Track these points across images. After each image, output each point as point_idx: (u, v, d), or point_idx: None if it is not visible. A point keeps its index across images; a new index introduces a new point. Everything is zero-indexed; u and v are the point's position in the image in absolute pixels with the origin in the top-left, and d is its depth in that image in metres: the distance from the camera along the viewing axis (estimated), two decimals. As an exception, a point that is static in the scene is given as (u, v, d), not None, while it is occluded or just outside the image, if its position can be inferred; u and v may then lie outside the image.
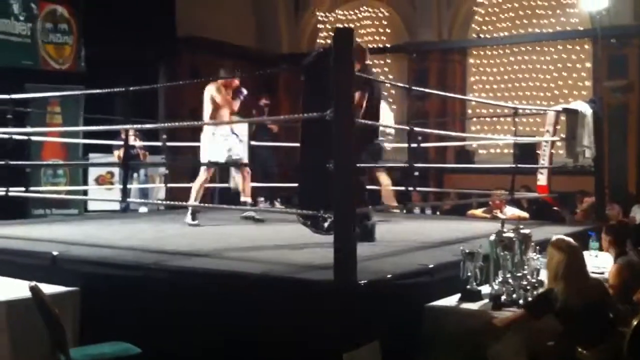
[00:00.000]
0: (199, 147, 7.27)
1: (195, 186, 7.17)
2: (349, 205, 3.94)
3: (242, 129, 8.52)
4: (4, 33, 10.24)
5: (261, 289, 4.05)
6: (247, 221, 7.32)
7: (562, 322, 4.07)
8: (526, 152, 8.93)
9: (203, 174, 7.24)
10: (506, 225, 4.71)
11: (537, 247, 4.78)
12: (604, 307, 4.17)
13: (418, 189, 7.91)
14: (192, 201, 7.08)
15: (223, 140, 7.11)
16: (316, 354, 3.70)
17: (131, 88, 6.03)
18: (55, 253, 4.86)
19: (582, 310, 4.02)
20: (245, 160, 7.80)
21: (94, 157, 10.37)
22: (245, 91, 7.50)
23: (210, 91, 7.17)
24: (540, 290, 4.39)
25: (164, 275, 4.40)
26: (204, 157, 7.15)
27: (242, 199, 7.47)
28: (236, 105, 7.37)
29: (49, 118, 10.13)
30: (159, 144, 9.88)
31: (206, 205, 6.94)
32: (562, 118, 8.11)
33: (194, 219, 6.97)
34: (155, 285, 4.36)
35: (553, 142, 8.19)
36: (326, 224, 4.84)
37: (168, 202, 7.35)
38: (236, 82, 7.44)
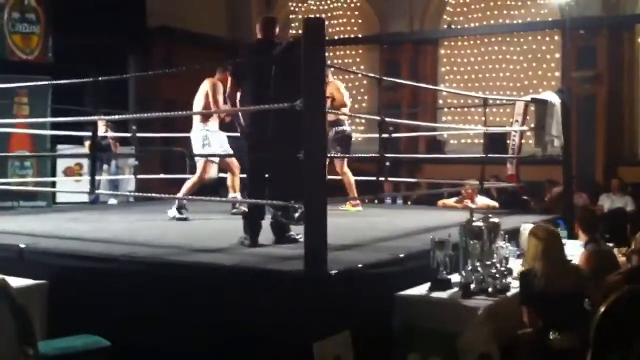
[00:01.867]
0: (170, 138, 7.11)
1: (189, 184, 6.86)
2: (320, 196, 3.95)
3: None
4: (-31, 23, 10.06)
5: (232, 281, 4.04)
6: (237, 217, 7.09)
7: (538, 307, 4.16)
8: (496, 142, 9.01)
9: (200, 175, 6.86)
10: (475, 214, 4.75)
11: (506, 236, 4.84)
12: (580, 293, 4.27)
13: (389, 179, 7.93)
14: (180, 194, 6.80)
15: (216, 138, 6.86)
16: (287, 344, 3.70)
17: (101, 78, 5.96)
18: (22, 246, 4.79)
19: (558, 294, 4.12)
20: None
21: (63, 148, 10.24)
22: None
23: (206, 87, 6.90)
24: (519, 271, 4.52)
25: (133, 268, 4.36)
26: (200, 158, 6.85)
27: (231, 194, 7.18)
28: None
29: (16, 109, 9.95)
30: (130, 134, 9.79)
31: (183, 197, 6.78)
32: (531, 108, 8.19)
33: (180, 212, 6.69)
34: (124, 277, 4.33)
35: (522, 132, 8.27)
36: (297, 215, 4.82)
37: (137, 193, 7.24)
38: None
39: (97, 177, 6.36)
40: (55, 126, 9.14)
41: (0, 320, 4.00)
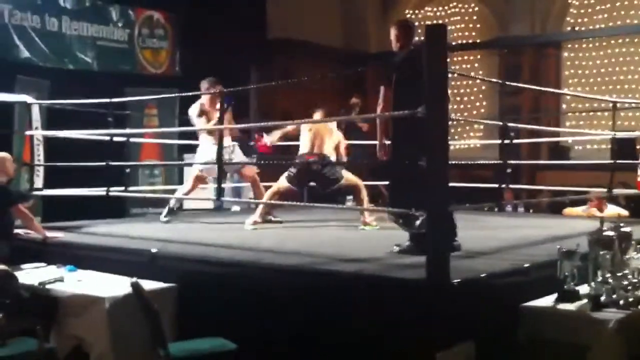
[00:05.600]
0: (286, 146, 7.26)
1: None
2: (443, 203, 3.91)
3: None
4: (104, 39, 10.68)
5: (354, 288, 4.07)
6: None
7: None
8: (625, 148, 8.60)
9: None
10: (605, 223, 4.55)
11: (638, 246, 4.61)
12: None
13: (510, 186, 7.72)
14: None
15: None
16: (409, 353, 3.68)
17: (225, 90, 6.19)
18: (154, 250, 5.03)
19: None
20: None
21: (189, 157, 10.65)
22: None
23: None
24: None
25: (257, 272, 4.49)
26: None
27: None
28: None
29: (147, 120, 10.49)
30: (251, 144, 10.05)
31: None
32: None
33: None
34: (249, 282, 4.45)
35: (655, 137, 7.85)
36: (417, 222, 4.80)
37: (260, 201, 7.44)
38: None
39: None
40: (182, 135, 9.52)
41: (133, 322, 4.23)
